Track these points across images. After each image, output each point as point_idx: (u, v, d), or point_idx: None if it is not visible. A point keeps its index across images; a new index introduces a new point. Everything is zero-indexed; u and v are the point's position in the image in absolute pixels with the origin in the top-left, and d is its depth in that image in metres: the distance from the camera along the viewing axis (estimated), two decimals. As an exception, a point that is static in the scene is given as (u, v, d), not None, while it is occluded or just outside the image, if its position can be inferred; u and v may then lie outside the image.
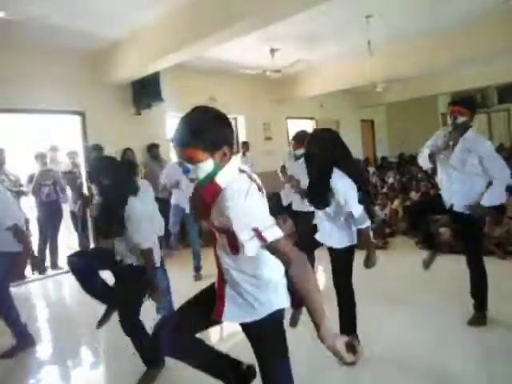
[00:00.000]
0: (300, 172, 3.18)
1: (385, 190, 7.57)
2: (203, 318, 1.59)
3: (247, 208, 1.28)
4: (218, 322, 1.58)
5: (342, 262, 2.53)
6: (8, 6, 4.10)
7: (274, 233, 1.28)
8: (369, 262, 2.50)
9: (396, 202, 6.49)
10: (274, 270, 1.46)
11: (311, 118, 10.36)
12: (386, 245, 5.44)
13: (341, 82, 8.04)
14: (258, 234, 1.27)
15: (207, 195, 1.39)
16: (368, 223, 2.42)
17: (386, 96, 10.57)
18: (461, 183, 2.81)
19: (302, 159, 3.89)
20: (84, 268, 2.64)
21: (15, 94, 5.06)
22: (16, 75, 5.07)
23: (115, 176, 2.46)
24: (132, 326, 2.46)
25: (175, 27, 4.57)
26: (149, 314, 2.66)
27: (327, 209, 2.44)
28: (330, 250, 2.56)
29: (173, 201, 4.88)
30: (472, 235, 2.90)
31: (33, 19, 4.46)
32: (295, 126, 9.89)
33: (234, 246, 1.39)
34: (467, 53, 6.40)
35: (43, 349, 3.28)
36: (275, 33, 5.43)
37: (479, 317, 2.88)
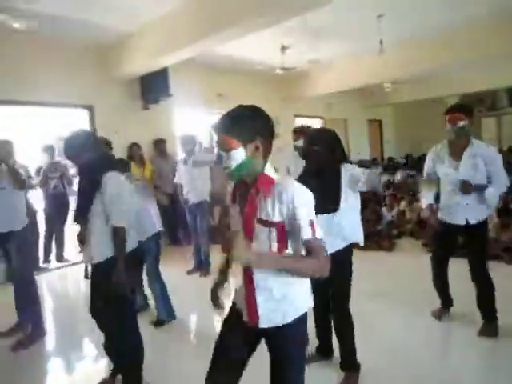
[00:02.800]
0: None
1: (391, 191, 7.51)
2: (239, 358, 1.56)
3: (311, 203, 1.40)
4: (252, 342, 1.56)
5: (346, 264, 2.32)
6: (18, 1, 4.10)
7: (319, 231, 1.39)
8: None
9: (403, 204, 6.44)
10: None
11: (319, 117, 10.32)
12: (393, 247, 5.40)
13: (350, 82, 7.98)
14: (311, 223, 1.36)
15: (264, 186, 1.41)
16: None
17: (395, 96, 10.50)
18: (473, 196, 2.76)
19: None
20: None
21: (24, 86, 5.06)
22: (25, 68, 5.08)
23: (92, 152, 2.27)
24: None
25: (185, 22, 4.54)
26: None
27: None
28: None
29: (185, 203, 4.85)
30: (479, 245, 2.88)
31: (43, 13, 4.47)
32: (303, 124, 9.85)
33: (283, 241, 1.40)
34: (478, 54, 6.33)
35: (49, 341, 3.29)
36: (287, 30, 5.39)
37: (489, 327, 2.82)
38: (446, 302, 3.14)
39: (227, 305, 1.67)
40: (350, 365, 2.40)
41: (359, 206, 2.37)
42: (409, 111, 12.48)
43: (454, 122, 2.74)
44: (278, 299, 1.44)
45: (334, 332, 2.46)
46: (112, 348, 2.44)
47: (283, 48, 6.33)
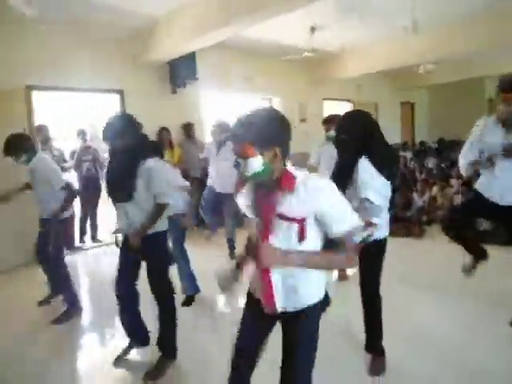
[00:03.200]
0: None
1: (423, 176, 7.31)
2: (260, 340, 1.63)
3: (341, 202, 1.42)
4: (269, 323, 1.62)
5: (374, 257, 2.25)
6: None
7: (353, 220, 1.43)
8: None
9: (435, 189, 6.27)
10: None
11: (348, 100, 10.09)
12: (423, 233, 5.29)
13: (382, 63, 7.72)
14: (340, 217, 1.41)
15: (287, 183, 1.40)
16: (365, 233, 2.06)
17: (428, 78, 10.06)
18: None
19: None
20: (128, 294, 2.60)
21: (58, 72, 5.20)
22: (58, 54, 5.20)
23: (132, 136, 2.34)
24: (170, 301, 2.55)
25: (215, 6, 4.50)
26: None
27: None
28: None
29: (208, 183, 4.85)
30: None
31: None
32: (332, 108, 9.68)
33: (303, 234, 1.42)
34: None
35: (85, 317, 3.46)
36: (316, 10, 5.25)
37: None
38: (477, 253, 2.88)
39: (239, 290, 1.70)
40: (375, 348, 2.40)
41: (386, 202, 2.20)
42: (443, 93, 11.98)
43: (509, 102, 2.42)
44: (294, 286, 1.48)
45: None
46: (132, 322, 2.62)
47: (313, 29, 6.18)
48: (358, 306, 2.40)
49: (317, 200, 1.37)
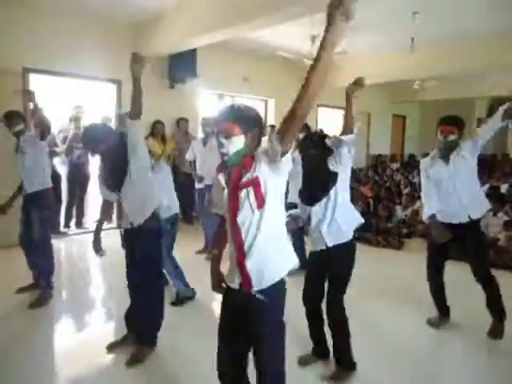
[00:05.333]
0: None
1: (408, 189, 7.48)
2: (243, 349, 1.69)
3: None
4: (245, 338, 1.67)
5: (347, 259, 2.38)
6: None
7: None
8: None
9: (418, 203, 6.43)
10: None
11: (343, 108, 10.23)
12: (402, 245, 5.44)
13: (378, 76, 7.87)
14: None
15: (248, 165, 1.53)
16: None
17: (422, 93, 10.30)
18: (468, 192, 2.88)
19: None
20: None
21: (57, 57, 5.23)
22: (59, 39, 5.22)
23: (110, 140, 2.46)
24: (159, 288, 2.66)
25: (219, 5, 4.57)
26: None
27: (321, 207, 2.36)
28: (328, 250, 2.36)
29: (197, 186, 4.95)
30: (480, 244, 2.97)
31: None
32: (326, 114, 9.82)
33: (261, 197, 1.51)
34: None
35: (62, 303, 3.50)
36: (318, 19, 5.36)
37: (498, 327, 2.90)
38: (444, 310, 3.14)
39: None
40: (343, 361, 2.41)
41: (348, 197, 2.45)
42: (435, 110, 12.20)
43: (445, 134, 2.89)
44: (266, 261, 1.56)
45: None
46: (135, 316, 2.66)
47: (313, 37, 6.28)
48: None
49: (260, 156, 1.50)
